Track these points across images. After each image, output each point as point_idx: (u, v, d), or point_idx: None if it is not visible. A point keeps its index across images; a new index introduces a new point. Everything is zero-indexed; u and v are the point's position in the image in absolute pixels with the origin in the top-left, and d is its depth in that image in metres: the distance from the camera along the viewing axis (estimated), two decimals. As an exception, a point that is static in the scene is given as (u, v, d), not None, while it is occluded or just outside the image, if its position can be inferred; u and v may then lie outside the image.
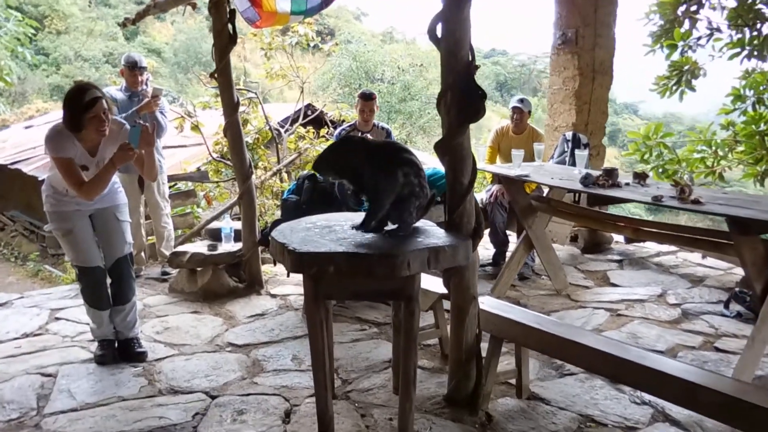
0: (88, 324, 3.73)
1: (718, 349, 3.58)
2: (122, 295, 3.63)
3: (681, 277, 4.99)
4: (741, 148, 7.44)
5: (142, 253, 5.50)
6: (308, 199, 4.48)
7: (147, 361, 3.59)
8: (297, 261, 2.17)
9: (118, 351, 3.66)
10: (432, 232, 2.49)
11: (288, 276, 5.01)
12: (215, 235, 5.18)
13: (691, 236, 3.53)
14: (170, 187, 6.20)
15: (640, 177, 3.81)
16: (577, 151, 4.40)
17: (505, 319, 2.85)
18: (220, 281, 4.80)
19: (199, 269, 4.81)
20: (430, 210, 2.49)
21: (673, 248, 5.72)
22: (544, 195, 4.70)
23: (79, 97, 3.20)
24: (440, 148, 2.50)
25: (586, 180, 3.74)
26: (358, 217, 2.74)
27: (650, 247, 5.85)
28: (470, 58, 2.46)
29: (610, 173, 3.75)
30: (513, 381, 3.09)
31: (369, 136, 4.92)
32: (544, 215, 4.53)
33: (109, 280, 3.63)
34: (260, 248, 4.94)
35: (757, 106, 7.13)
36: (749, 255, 2.81)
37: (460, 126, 2.42)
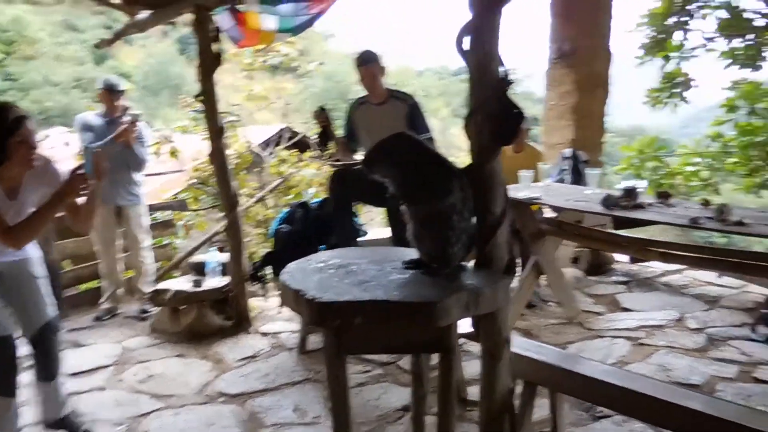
0: None
1: (758, 380, 3.31)
2: (49, 370, 2.89)
3: (695, 298, 4.73)
4: (733, 160, 7.32)
5: (120, 291, 5.08)
6: (302, 228, 4.16)
7: (132, 417, 3.20)
8: (318, 312, 1.83)
9: None
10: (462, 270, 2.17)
11: (279, 312, 4.66)
12: (197, 269, 4.80)
13: (735, 260, 3.27)
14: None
15: (663, 196, 3.56)
16: (587, 170, 4.14)
17: (539, 363, 2.54)
18: (206, 320, 4.41)
19: (182, 307, 4.43)
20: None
21: (679, 267, 5.46)
22: (550, 217, 4.44)
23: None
24: (470, 174, 2.18)
25: (607, 201, 3.46)
26: (371, 253, 2.42)
27: (655, 266, 5.60)
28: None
29: (631, 193, 3.49)
30: (547, 430, 2.77)
31: (384, 109, 4.01)
32: (554, 239, 4.26)
33: (27, 351, 2.85)
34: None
35: (750, 117, 7.02)
36: (805, 282, 2.56)
37: (493, 149, 2.12)
